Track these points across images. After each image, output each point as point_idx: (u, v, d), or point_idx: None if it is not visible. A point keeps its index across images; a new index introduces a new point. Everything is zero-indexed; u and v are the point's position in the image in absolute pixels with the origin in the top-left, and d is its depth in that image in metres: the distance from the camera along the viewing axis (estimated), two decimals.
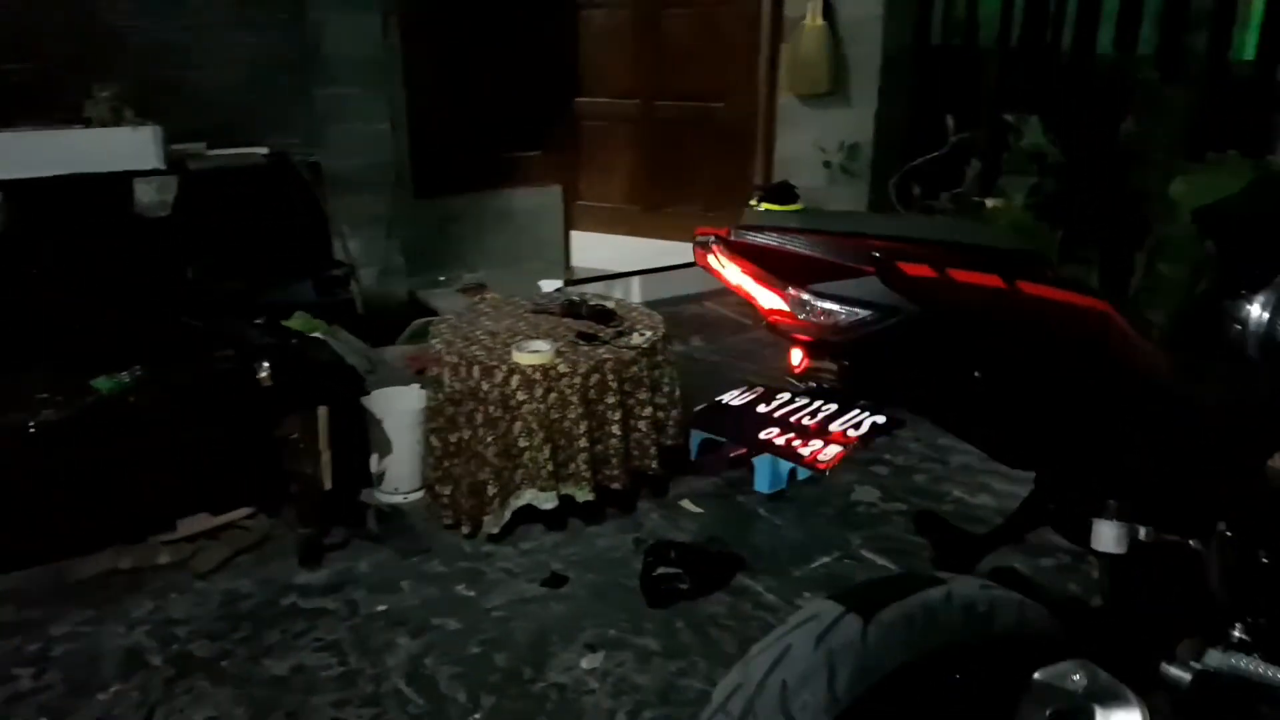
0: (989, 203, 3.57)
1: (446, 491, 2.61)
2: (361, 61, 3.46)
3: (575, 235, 5.02)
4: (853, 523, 2.67)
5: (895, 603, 1.05)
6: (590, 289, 3.73)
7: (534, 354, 2.48)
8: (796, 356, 1.06)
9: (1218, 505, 1.15)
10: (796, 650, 1.03)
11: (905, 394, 0.99)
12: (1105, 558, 1.10)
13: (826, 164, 4.41)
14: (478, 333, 2.73)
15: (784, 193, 4.48)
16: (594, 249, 5.12)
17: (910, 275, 0.94)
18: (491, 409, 2.47)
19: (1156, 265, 3.23)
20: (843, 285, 0.97)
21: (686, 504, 2.74)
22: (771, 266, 0.99)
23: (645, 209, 5.29)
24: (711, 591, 2.30)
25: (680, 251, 4.88)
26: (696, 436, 2.91)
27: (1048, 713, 0.93)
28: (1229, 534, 1.14)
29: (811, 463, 0.92)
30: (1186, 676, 1.02)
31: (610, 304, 2.95)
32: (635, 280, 4.64)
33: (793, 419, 1.01)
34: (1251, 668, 1.04)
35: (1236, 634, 1.13)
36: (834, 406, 1.00)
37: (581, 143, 5.23)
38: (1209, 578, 1.13)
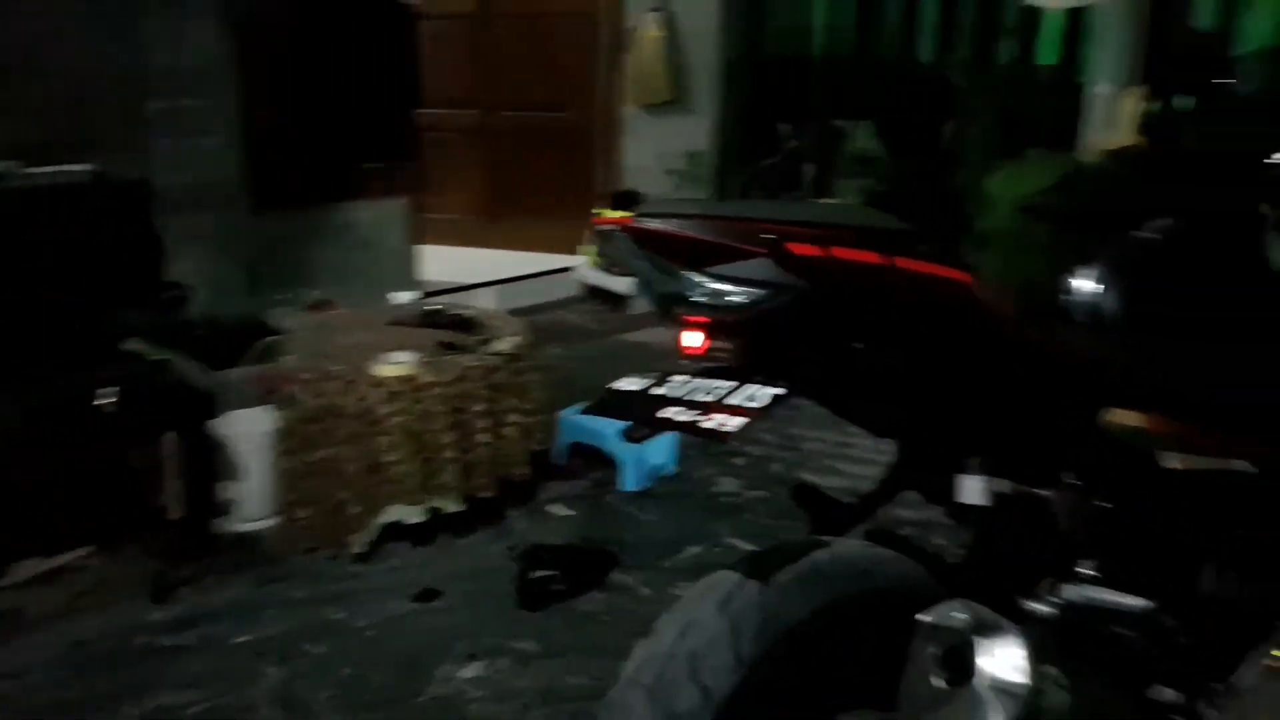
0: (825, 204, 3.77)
1: (306, 514, 2.52)
2: (195, 73, 3.30)
3: (422, 249, 4.95)
4: (718, 513, 2.75)
5: (788, 566, 1.12)
6: (445, 300, 3.68)
7: (397, 365, 2.44)
8: (695, 338, 1.10)
9: (1063, 458, 1.27)
10: (702, 619, 1.08)
11: (795, 370, 1.05)
12: (970, 510, 1.19)
13: (670, 172, 4.53)
14: (332, 348, 2.65)
15: (630, 201, 4.58)
16: (442, 262, 5.06)
17: (799, 255, 1.01)
18: (353, 424, 2.40)
19: (980, 255, 3.50)
20: (738, 266, 1.03)
21: (556, 508, 2.75)
22: (671, 251, 1.03)
23: (491, 220, 5.28)
24: (588, 590, 2.32)
25: (530, 262, 4.90)
26: (564, 440, 2.94)
27: (936, 651, 1.01)
28: (1073, 483, 1.26)
29: (717, 435, 0.97)
30: (1049, 610, 1.12)
31: (471, 312, 2.94)
32: (488, 291, 4.62)
33: (691, 398, 1.05)
34: (1102, 597, 1.15)
35: (1086, 570, 1.25)
36: (732, 383, 1.05)
37: (425, 155, 5.16)
38: (1059, 523, 1.24)
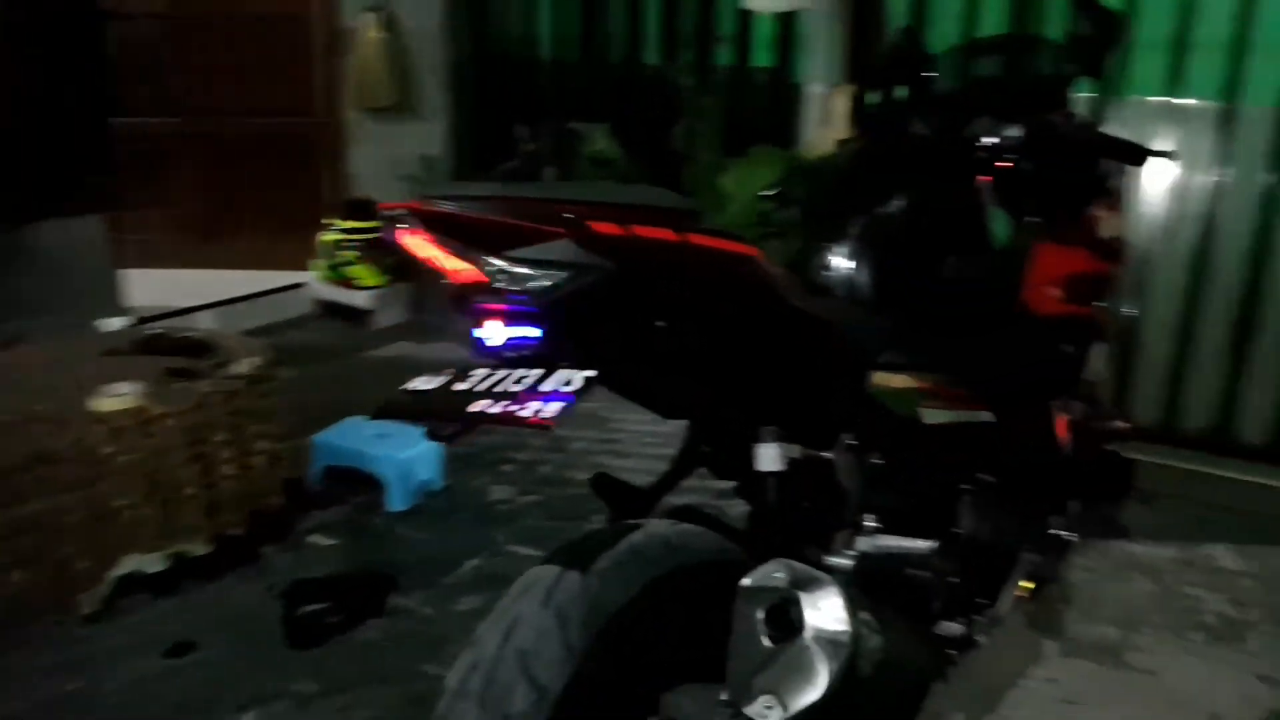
0: None
1: (18, 577, 2.19)
2: None
3: (128, 273, 4.46)
4: (493, 522, 2.70)
5: (605, 552, 1.12)
6: (167, 325, 3.35)
7: (118, 398, 2.18)
8: (494, 329, 1.07)
9: (841, 421, 1.36)
10: (526, 616, 1.05)
11: (600, 353, 1.04)
12: (768, 476, 1.25)
13: (403, 178, 4.40)
14: (31, 386, 2.33)
15: (364, 210, 4.39)
16: (155, 286, 4.58)
17: (601, 233, 1.00)
18: (72, 469, 2.12)
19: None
20: (538, 249, 1.01)
21: (318, 538, 2.58)
22: (466, 237, 0.99)
23: (209, 238, 4.85)
24: (365, 619, 2.19)
25: (256, 280, 4.56)
26: (318, 464, 2.76)
27: (759, 613, 1.04)
28: (852, 443, 1.35)
29: (536, 422, 0.94)
30: (847, 562, 1.19)
31: (202, 335, 2.69)
32: (212, 314, 4.25)
33: (499, 389, 1.02)
34: (890, 544, 1.25)
35: (872, 522, 1.34)
36: (538, 372, 1.02)
37: (125, 168, 4.65)
38: (842, 482, 1.33)
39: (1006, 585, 1.54)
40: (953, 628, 1.31)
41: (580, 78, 4.26)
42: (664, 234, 1.07)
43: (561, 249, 1.00)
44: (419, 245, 1.00)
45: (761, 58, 3.79)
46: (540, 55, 4.41)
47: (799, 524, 1.29)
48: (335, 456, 2.78)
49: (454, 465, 2.91)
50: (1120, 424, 1.85)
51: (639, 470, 3.04)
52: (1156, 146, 1.79)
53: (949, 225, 1.61)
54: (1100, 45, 1.87)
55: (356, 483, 2.75)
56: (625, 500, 1.54)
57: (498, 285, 1.01)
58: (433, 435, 0.98)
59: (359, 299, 4.45)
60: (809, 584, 1.03)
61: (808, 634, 1.00)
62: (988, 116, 2.01)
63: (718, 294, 1.13)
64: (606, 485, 1.53)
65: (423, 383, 1.12)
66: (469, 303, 1.07)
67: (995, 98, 2.06)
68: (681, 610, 1.15)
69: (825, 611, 1.01)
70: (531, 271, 1.00)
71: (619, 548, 1.13)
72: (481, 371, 1.09)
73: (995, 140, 1.88)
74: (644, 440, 3.28)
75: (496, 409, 0.99)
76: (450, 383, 1.09)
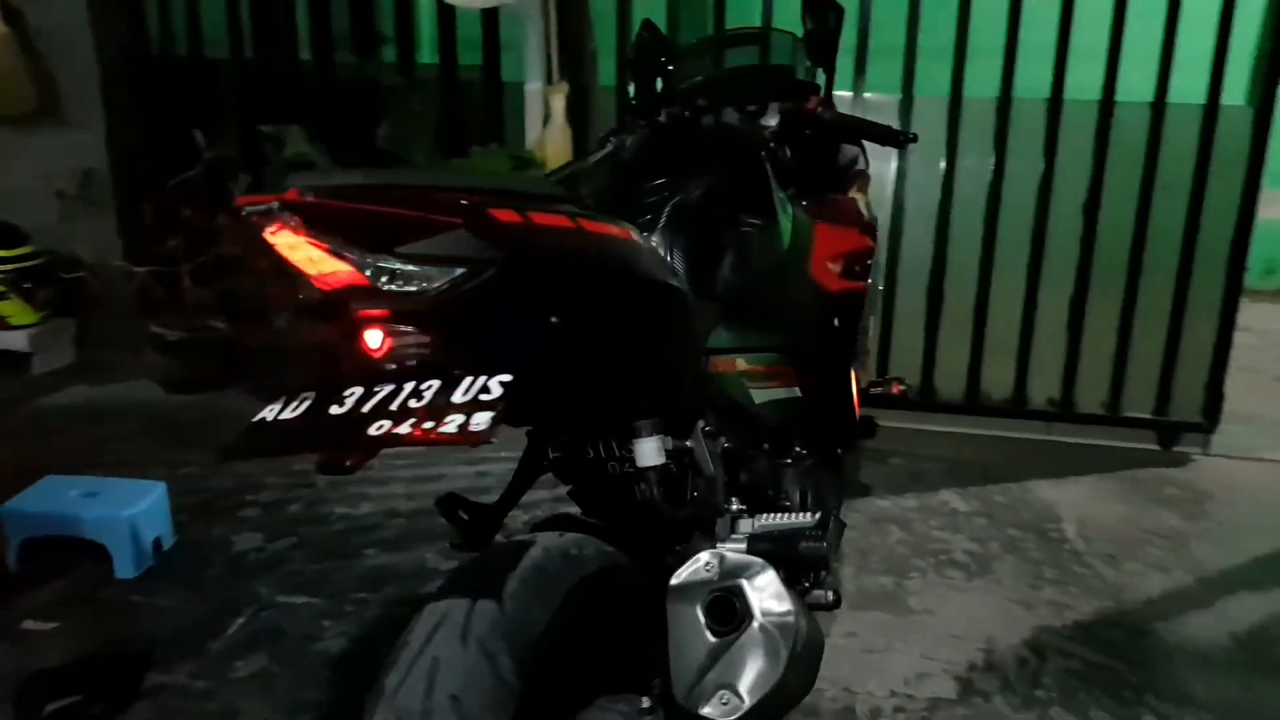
0: None
1: None
2: None
3: None
4: (249, 574, 2.43)
5: (509, 574, 1.04)
6: None
7: None
8: (375, 338, 0.95)
9: (696, 407, 1.36)
10: (447, 658, 0.95)
11: (495, 356, 0.95)
12: (649, 471, 1.22)
13: (61, 195, 3.81)
14: None
15: (8, 236, 3.75)
16: None
17: (502, 222, 0.92)
18: None
19: None
20: (431, 244, 0.91)
21: (35, 623, 2.17)
22: (346, 232, 0.87)
23: None
24: (128, 704, 1.88)
25: None
26: (14, 538, 2.33)
27: (700, 608, 1.02)
28: (708, 429, 1.36)
29: (467, 439, 0.84)
30: (741, 547, 1.20)
31: None
32: None
33: (394, 406, 0.90)
34: (772, 523, 1.27)
35: (736, 505, 1.36)
36: (434, 382, 0.92)
37: None
38: (705, 468, 1.33)
39: (837, 547, 1.64)
40: (826, 595, 1.37)
41: (266, 76, 3.92)
42: (560, 220, 1.00)
43: (454, 241, 0.90)
44: (290, 244, 0.86)
45: (468, 55, 3.71)
46: (211, 54, 4.00)
47: (682, 516, 1.27)
48: (36, 526, 2.35)
49: (179, 518, 2.58)
50: (896, 387, 2.03)
51: (403, 495, 2.89)
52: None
53: (743, 209, 1.67)
54: (830, 38, 2.04)
55: (69, 553, 2.34)
56: (475, 520, 1.44)
57: (384, 287, 0.89)
58: (325, 469, 0.84)
59: (14, 340, 3.80)
60: (744, 570, 1.03)
61: (758, 620, 0.99)
62: (732, 107, 2.13)
63: (613, 280, 1.08)
64: (454, 506, 1.42)
65: (279, 411, 0.97)
66: (341, 310, 0.94)
67: (737, 89, 2.18)
68: (596, 622, 1.10)
69: (768, 595, 1.01)
70: (422, 268, 0.90)
71: (523, 567, 1.05)
72: (354, 389, 0.96)
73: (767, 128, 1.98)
74: (396, 464, 3.11)
75: (406, 429, 0.87)
76: (320, 406, 0.95)
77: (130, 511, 2.36)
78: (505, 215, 0.93)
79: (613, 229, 1.11)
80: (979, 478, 3.18)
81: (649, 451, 1.22)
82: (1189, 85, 3.18)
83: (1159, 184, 3.26)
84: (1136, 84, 3.21)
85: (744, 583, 1.01)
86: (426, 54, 3.84)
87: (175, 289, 3.71)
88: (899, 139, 1.89)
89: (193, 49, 4.05)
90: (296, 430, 0.94)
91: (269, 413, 0.97)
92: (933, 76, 3.36)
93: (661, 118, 1.99)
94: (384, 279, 0.89)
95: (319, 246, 0.85)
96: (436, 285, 0.90)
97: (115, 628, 2.17)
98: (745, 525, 1.28)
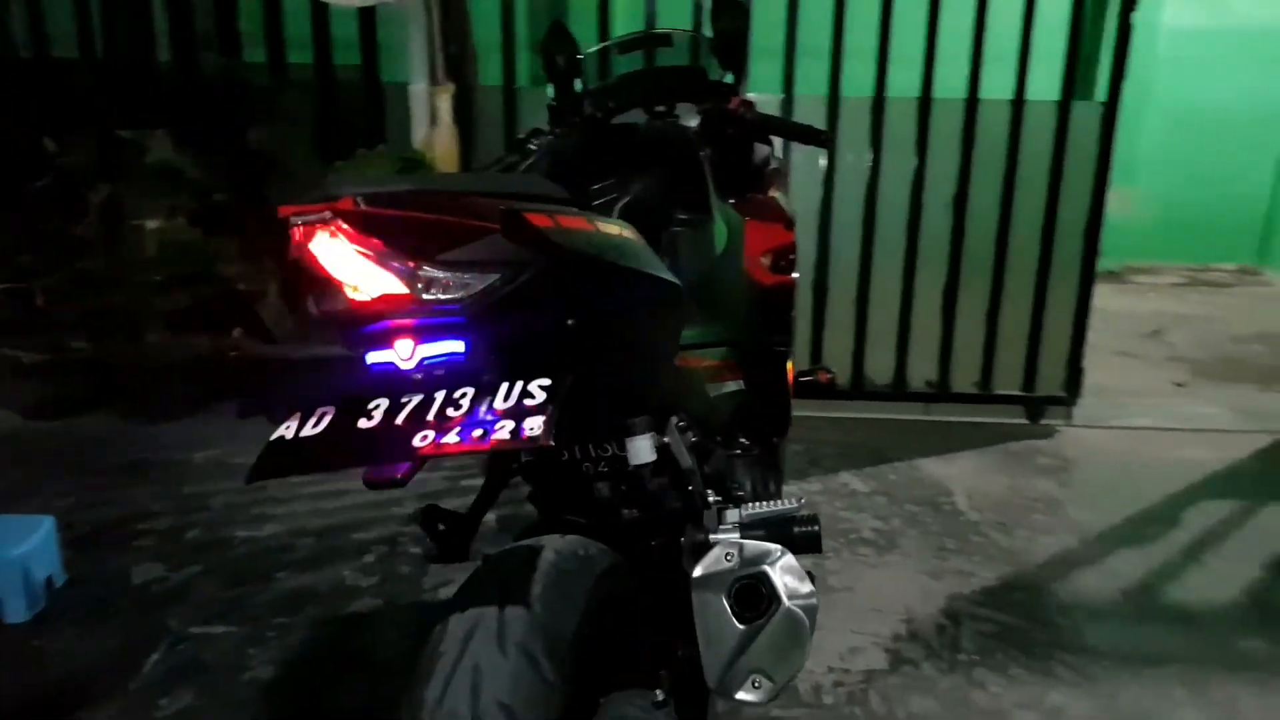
0: (149, 224, 3.32)
1: None
2: None
3: None
4: (156, 607, 2.30)
5: (532, 575, 1.04)
6: None
7: None
8: (405, 348, 0.93)
9: (671, 404, 1.39)
10: (488, 665, 0.95)
11: (527, 360, 0.96)
12: (644, 469, 1.25)
13: None
14: None
15: None
16: None
17: (537, 225, 0.92)
18: None
19: None
20: (471, 249, 0.90)
21: None
22: (394, 240, 0.85)
23: None
24: None
25: None
26: None
27: (725, 597, 1.05)
28: (681, 424, 1.40)
29: (524, 444, 0.83)
30: (734, 536, 1.24)
31: None
32: None
33: (431, 416, 0.89)
34: (759, 511, 1.32)
35: (712, 496, 1.40)
36: (468, 390, 0.91)
37: None
38: (681, 461, 1.37)
39: None
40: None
41: (121, 79, 3.68)
42: (581, 222, 1.01)
43: (491, 247, 0.90)
44: (336, 254, 0.83)
45: (345, 55, 3.60)
46: (60, 54, 3.73)
47: (673, 511, 1.30)
48: None
49: (69, 553, 2.41)
50: (823, 376, 2.12)
51: (308, 513, 2.79)
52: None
53: (686, 207, 1.71)
54: (738, 39, 2.11)
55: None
56: (452, 530, 1.42)
57: (425, 296, 0.88)
58: (373, 484, 0.80)
59: None
60: (766, 557, 1.07)
61: (785, 603, 1.03)
62: (640, 108, 2.17)
63: (626, 279, 1.10)
64: (434, 518, 1.40)
65: (296, 428, 0.94)
66: (372, 321, 0.92)
67: (655, 89, 2.22)
68: (610, 620, 1.12)
69: (792, 578, 1.05)
70: (462, 275, 0.89)
71: (543, 570, 1.06)
72: (379, 401, 0.94)
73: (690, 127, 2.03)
74: (294, 481, 3.00)
75: (454, 439, 0.87)
76: (345, 421, 0.93)
77: (19, 551, 2.19)
78: (538, 219, 0.93)
79: (618, 228, 1.13)
80: (872, 459, 3.35)
81: (643, 449, 1.24)
82: (1045, 83, 3.44)
83: (1020, 177, 3.51)
84: (999, 83, 3.44)
85: (768, 569, 1.05)
86: (295, 54, 3.69)
87: (29, 307, 3.44)
88: (821, 137, 1.97)
89: (38, 49, 3.75)
90: (326, 446, 0.92)
91: (286, 430, 0.94)
92: (811, 75, 3.50)
93: (579, 118, 2.01)
94: (423, 287, 0.88)
95: (368, 256, 0.84)
96: (473, 292, 0.90)
97: (17, 677, 2.01)
98: (732, 515, 1.32)
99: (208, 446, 3.26)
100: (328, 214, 0.81)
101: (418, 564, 2.52)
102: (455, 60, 3.50)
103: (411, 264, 0.87)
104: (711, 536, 1.28)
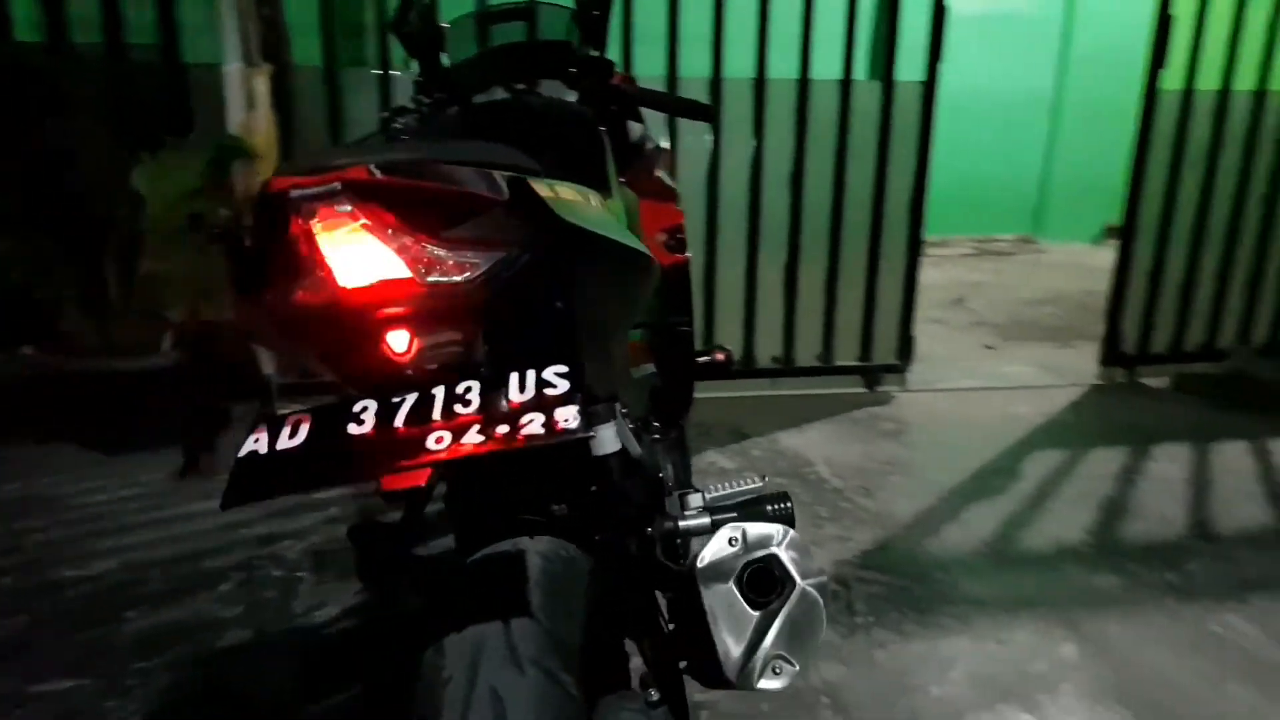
0: None
1: None
2: None
3: None
4: None
5: (525, 587, 0.97)
6: None
7: None
8: (401, 340, 0.83)
9: (616, 389, 1.33)
10: (506, 687, 0.88)
11: (526, 348, 0.87)
12: (609, 459, 1.18)
13: None
14: None
15: None
16: None
17: (542, 198, 0.84)
18: None
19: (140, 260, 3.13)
20: (475, 225, 0.81)
21: None
22: (404, 217, 0.75)
23: None
24: None
25: None
26: None
27: (735, 585, 1.01)
28: (624, 410, 1.35)
29: (560, 438, 0.75)
30: (705, 520, 1.20)
31: None
32: None
33: (438, 416, 0.79)
34: (722, 491, 1.28)
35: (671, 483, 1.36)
36: (471, 383, 0.81)
37: None
38: (630, 448, 1.32)
39: None
40: None
41: None
42: (574, 195, 0.93)
43: (495, 222, 0.81)
44: (339, 234, 0.72)
45: (136, 35, 3.25)
46: None
47: (641, 500, 1.24)
48: None
49: None
50: (719, 355, 2.11)
51: (146, 543, 2.50)
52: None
53: (588, 185, 1.65)
54: (601, 14, 2.06)
55: None
56: (376, 549, 1.29)
57: (431, 279, 0.78)
58: (390, 497, 0.68)
59: None
60: (771, 539, 1.03)
61: (800, 583, 1.00)
62: (500, 85, 2.08)
63: (614, 254, 1.02)
64: (364, 532, 1.27)
65: (269, 441, 0.81)
66: (370, 311, 0.80)
67: (516, 65, 2.13)
68: (605, 622, 1.05)
69: (801, 556, 1.02)
70: (467, 255, 0.80)
71: (534, 576, 0.98)
72: (366, 404, 0.83)
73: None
74: (130, 508, 2.70)
75: (476, 438, 0.78)
76: (329, 428, 0.81)
77: None
78: (543, 191, 0.85)
79: (596, 199, 1.06)
80: (733, 436, 3.40)
81: (607, 438, 1.18)
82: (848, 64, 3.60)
83: (850, 154, 3.66)
84: (828, 63, 3.56)
85: (777, 550, 1.01)
86: (79, 33, 3.30)
87: None
88: (707, 112, 1.95)
89: None
90: (314, 460, 0.80)
91: (257, 445, 0.81)
92: (649, 57, 3.50)
93: (460, 94, 1.91)
94: (425, 270, 0.78)
95: (376, 233, 0.72)
96: (479, 273, 0.80)
97: None
98: (695, 500, 1.28)
99: (7, 480, 2.87)
100: (337, 186, 0.69)
101: (282, 587, 2.33)
102: (271, 40, 3.24)
103: (417, 243, 0.76)
104: (681, 524, 1.24)
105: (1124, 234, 3.97)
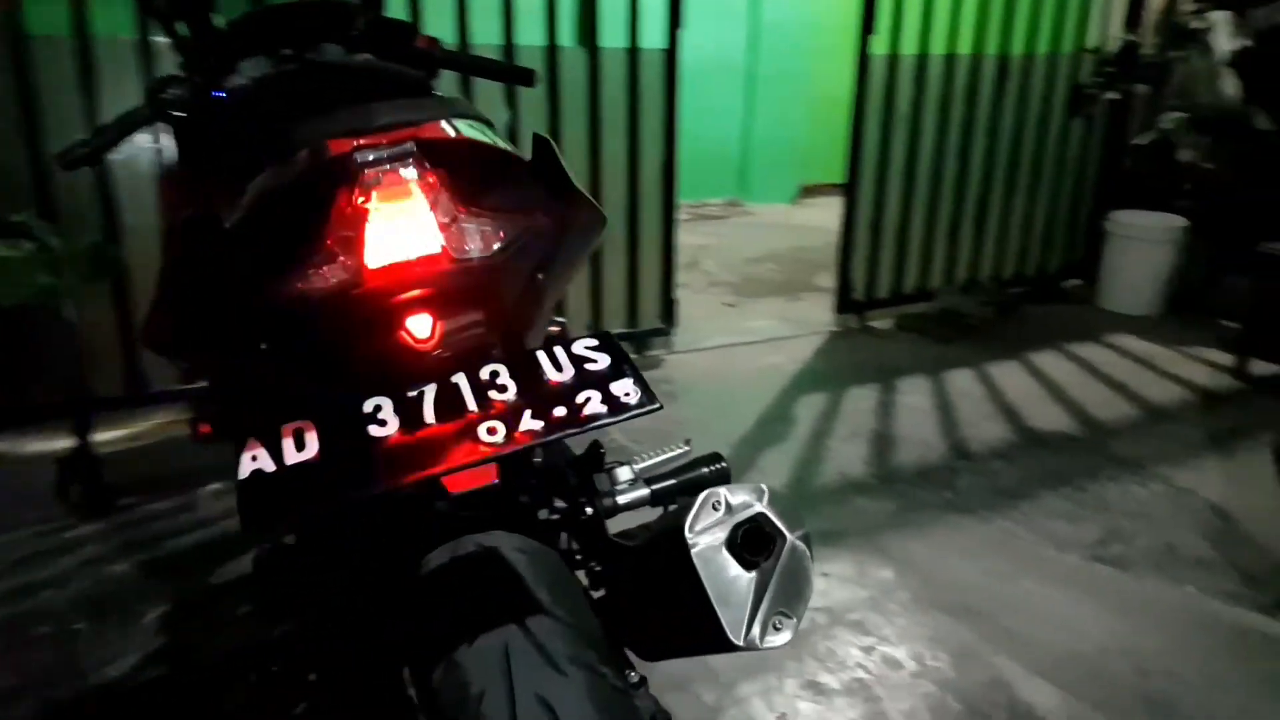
0: None
1: None
2: None
3: None
4: None
5: (527, 585, 0.92)
6: None
7: None
8: (424, 325, 0.74)
9: None
10: (552, 690, 0.84)
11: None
12: None
13: None
14: None
15: None
16: None
17: (560, 158, 0.77)
18: None
19: None
20: (507, 192, 0.73)
21: None
22: (460, 182, 0.66)
23: None
24: None
25: None
26: None
27: (726, 548, 1.00)
28: None
29: (625, 414, 0.69)
30: (644, 491, 1.19)
31: None
32: None
33: (475, 408, 0.71)
34: (651, 460, 1.27)
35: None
36: (496, 368, 0.74)
37: None
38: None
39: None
40: None
41: None
42: (556, 151, 0.86)
43: (522, 188, 0.74)
44: (397, 207, 0.61)
45: None
46: None
47: (573, 483, 1.20)
48: None
49: None
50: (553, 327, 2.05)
51: None
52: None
53: None
54: None
55: None
56: (289, 566, 1.15)
57: (466, 253, 0.70)
58: (465, 500, 0.55)
59: None
60: (753, 497, 1.03)
61: (790, 536, 1.01)
62: (270, 51, 1.91)
63: (592, 218, 0.96)
64: (272, 557, 1.13)
65: (271, 456, 0.70)
66: (390, 293, 0.70)
67: (282, 27, 1.95)
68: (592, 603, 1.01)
69: (783, 510, 1.03)
70: (499, 225, 0.72)
71: (532, 575, 0.93)
72: (379, 401, 0.73)
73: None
74: None
75: (533, 425, 0.71)
76: (342, 434, 0.71)
77: None
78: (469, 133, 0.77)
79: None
80: None
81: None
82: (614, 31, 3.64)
83: (604, 123, 3.69)
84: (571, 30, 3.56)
85: (763, 508, 1.01)
86: None
87: None
88: (528, 76, 1.88)
89: None
90: (339, 468, 0.69)
91: (258, 463, 0.69)
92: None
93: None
94: (458, 245, 0.69)
95: (431, 202, 0.63)
96: (507, 246, 0.73)
97: None
98: (624, 473, 1.25)
99: None
100: (411, 146, 0.59)
101: (57, 645, 2.01)
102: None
103: (459, 214, 0.67)
104: (621, 500, 1.21)
105: (847, 190, 4.33)
